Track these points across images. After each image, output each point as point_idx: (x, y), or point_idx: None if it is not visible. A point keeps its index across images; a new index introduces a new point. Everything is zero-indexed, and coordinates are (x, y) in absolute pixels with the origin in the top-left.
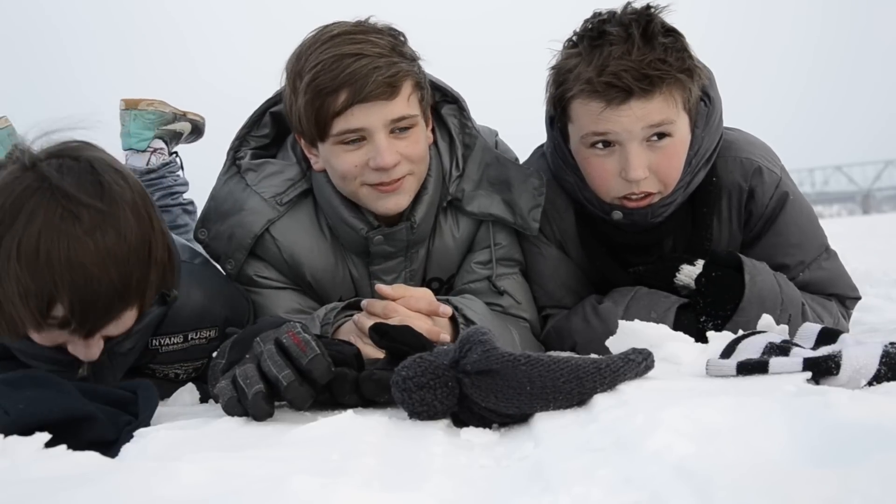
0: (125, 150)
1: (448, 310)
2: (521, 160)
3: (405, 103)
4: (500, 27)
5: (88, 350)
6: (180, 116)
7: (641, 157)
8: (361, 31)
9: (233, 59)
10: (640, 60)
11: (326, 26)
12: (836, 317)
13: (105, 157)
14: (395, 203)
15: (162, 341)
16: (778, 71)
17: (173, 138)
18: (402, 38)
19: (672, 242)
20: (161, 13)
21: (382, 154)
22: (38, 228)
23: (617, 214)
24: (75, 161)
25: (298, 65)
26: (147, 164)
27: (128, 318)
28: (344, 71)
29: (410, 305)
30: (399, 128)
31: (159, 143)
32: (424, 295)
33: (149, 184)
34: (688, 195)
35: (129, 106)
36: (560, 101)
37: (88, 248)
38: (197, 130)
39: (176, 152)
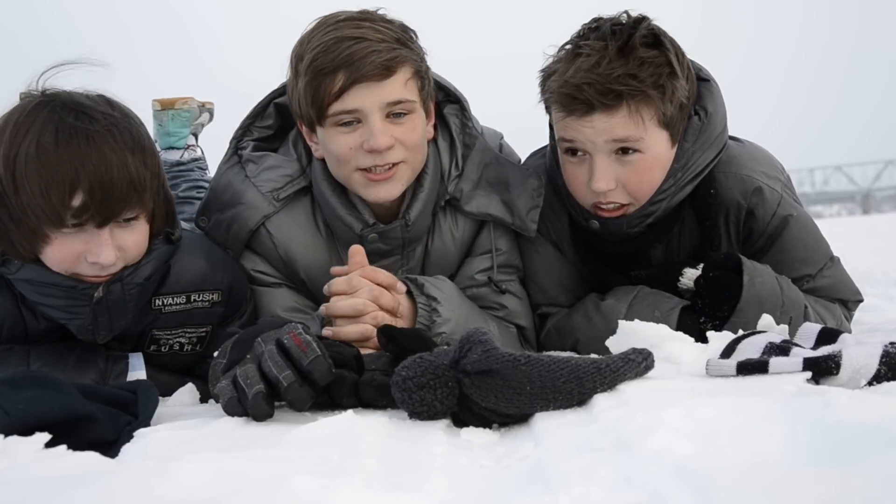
0: (163, 149)
1: (402, 286)
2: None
3: (402, 87)
4: (491, 18)
5: (105, 250)
6: (201, 108)
7: (607, 169)
8: (367, 19)
9: (240, 53)
10: (608, 74)
11: (333, 13)
12: (838, 318)
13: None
14: (386, 192)
15: (165, 301)
16: (772, 69)
17: (198, 130)
18: (411, 33)
19: (665, 251)
20: (166, 8)
21: (376, 136)
22: (54, 129)
23: (594, 224)
24: (82, 90)
25: (301, 48)
26: (180, 157)
27: (139, 230)
28: (343, 52)
29: (369, 275)
30: (395, 112)
31: (192, 140)
32: (389, 280)
33: (177, 175)
34: (671, 208)
35: (166, 106)
36: (545, 104)
37: (107, 140)
38: (211, 116)
39: (199, 146)
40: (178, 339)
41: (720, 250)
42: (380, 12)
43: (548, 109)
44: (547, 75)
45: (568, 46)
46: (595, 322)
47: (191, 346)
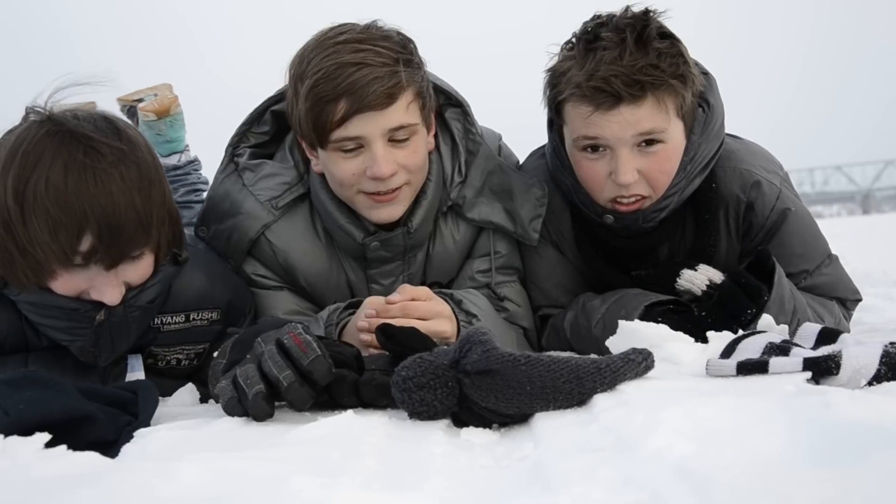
0: (165, 155)
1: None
2: (519, 156)
3: (404, 112)
4: (483, 15)
5: (111, 292)
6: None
7: (631, 161)
8: (367, 39)
9: (242, 52)
10: (632, 66)
11: (332, 28)
12: (837, 316)
13: (111, 111)
14: (389, 213)
15: (164, 320)
16: (770, 68)
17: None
18: (411, 46)
19: (669, 249)
20: (167, 7)
21: (379, 163)
22: (63, 166)
23: (609, 218)
24: (88, 112)
25: (301, 68)
26: (177, 161)
27: (145, 263)
28: (345, 80)
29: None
30: (397, 137)
31: (187, 139)
32: (426, 292)
33: (174, 179)
34: (682, 201)
35: (161, 115)
36: (554, 103)
37: (114, 179)
38: None
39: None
40: (175, 356)
41: (716, 245)
42: (378, 23)
43: (558, 108)
44: (559, 73)
45: (573, 42)
46: (579, 320)
47: (188, 361)
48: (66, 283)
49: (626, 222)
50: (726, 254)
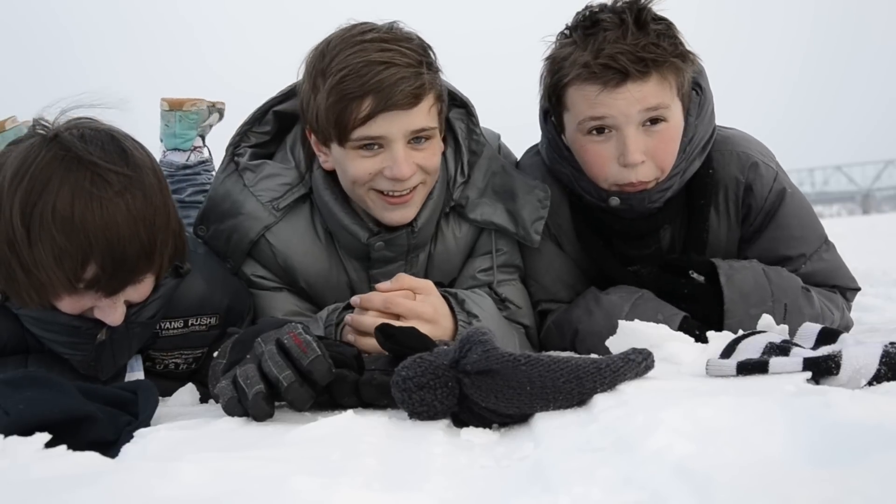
0: (169, 149)
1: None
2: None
3: (426, 115)
4: (484, 13)
5: (114, 313)
6: (211, 108)
7: (639, 141)
8: (392, 39)
9: (243, 51)
10: (635, 44)
11: (355, 26)
12: (841, 309)
13: (118, 128)
14: (402, 216)
15: (162, 325)
16: (769, 67)
17: (206, 132)
18: (430, 51)
19: (670, 235)
20: (168, 6)
21: (400, 165)
22: (70, 193)
23: (614, 200)
24: (95, 131)
25: (323, 63)
26: (186, 160)
27: (147, 284)
28: (373, 78)
29: (406, 284)
30: (417, 138)
31: (199, 142)
32: (425, 286)
33: (182, 178)
34: (683, 183)
35: (174, 107)
36: (555, 89)
37: (120, 209)
38: (221, 116)
39: (207, 146)
40: (173, 360)
41: (708, 230)
42: (398, 25)
43: (559, 96)
44: (561, 58)
45: (566, 33)
46: (596, 316)
47: (186, 365)
48: (69, 304)
49: (632, 202)
50: (727, 240)
